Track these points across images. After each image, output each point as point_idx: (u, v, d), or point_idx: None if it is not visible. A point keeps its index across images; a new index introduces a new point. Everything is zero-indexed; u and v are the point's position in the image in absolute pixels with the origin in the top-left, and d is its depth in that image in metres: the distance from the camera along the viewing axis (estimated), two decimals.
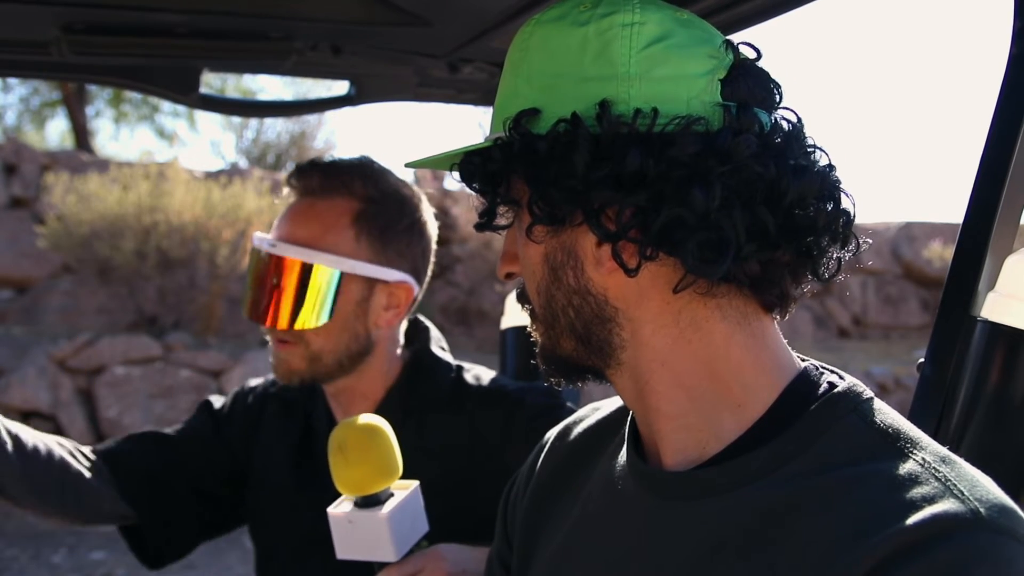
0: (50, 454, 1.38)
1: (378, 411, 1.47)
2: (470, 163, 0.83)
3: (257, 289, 1.45)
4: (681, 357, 0.80)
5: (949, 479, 0.69)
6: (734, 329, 0.79)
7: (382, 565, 1.17)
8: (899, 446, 0.73)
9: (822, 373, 0.82)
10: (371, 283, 1.47)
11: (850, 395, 0.78)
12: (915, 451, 0.72)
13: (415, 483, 1.20)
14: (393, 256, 1.48)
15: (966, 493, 0.68)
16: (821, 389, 0.80)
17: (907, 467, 0.71)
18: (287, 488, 1.54)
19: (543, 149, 0.76)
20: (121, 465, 1.50)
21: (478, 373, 1.57)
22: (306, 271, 1.41)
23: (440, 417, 1.50)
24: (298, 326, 1.43)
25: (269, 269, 1.43)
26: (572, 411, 1.22)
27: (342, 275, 1.43)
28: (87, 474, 1.44)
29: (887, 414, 0.77)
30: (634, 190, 0.74)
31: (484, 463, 1.44)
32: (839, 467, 0.73)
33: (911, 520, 0.66)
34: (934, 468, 0.70)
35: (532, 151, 0.77)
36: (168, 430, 1.61)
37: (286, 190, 1.53)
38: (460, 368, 1.58)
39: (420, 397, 1.51)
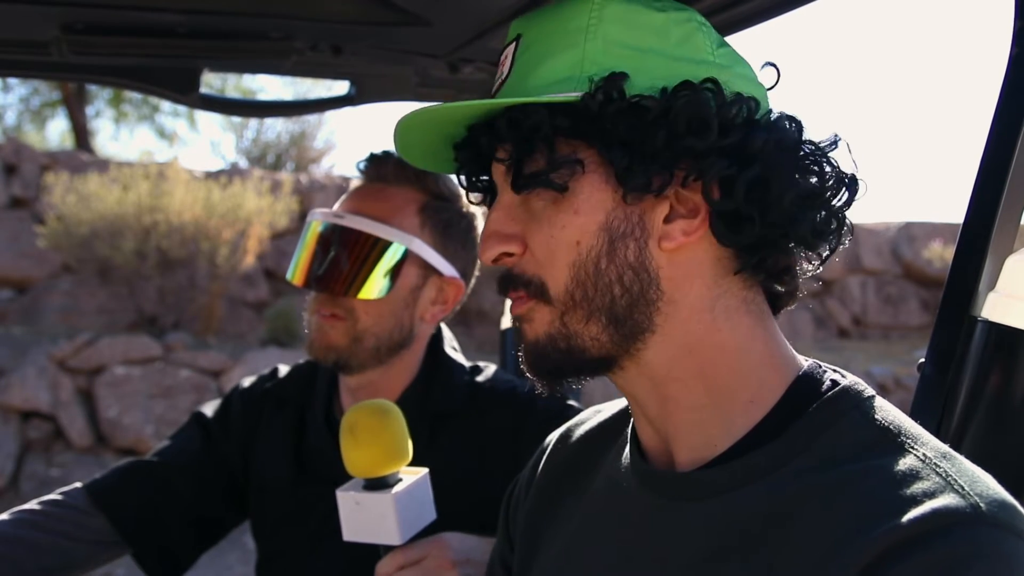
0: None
1: None
2: (522, 117, 0.78)
3: (315, 258, 1.47)
4: (708, 347, 0.80)
5: (950, 474, 0.69)
6: (756, 323, 0.81)
7: (387, 550, 1.17)
8: (900, 442, 0.74)
9: (825, 371, 0.83)
10: (427, 272, 1.50)
11: (852, 392, 0.79)
12: (916, 447, 0.73)
13: (424, 470, 1.21)
14: (450, 252, 1.52)
15: (966, 488, 0.68)
16: (824, 387, 0.80)
17: (908, 462, 0.71)
18: (287, 487, 1.54)
19: (655, 110, 0.75)
20: (112, 504, 1.49)
21: (491, 374, 1.58)
22: (373, 243, 1.44)
23: (453, 419, 1.50)
24: (356, 295, 1.44)
25: (333, 239, 1.45)
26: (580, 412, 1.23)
27: (406, 252, 1.46)
28: (64, 533, 1.43)
29: (888, 411, 0.78)
30: (748, 164, 0.76)
31: (494, 464, 1.45)
32: (841, 464, 0.73)
33: (911, 515, 0.66)
34: (935, 463, 0.71)
35: (639, 110, 0.76)
36: (159, 457, 1.57)
37: (354, 178, 1.56)
38: (474, 368, 1.59)
39: (436, 398, 1.52)
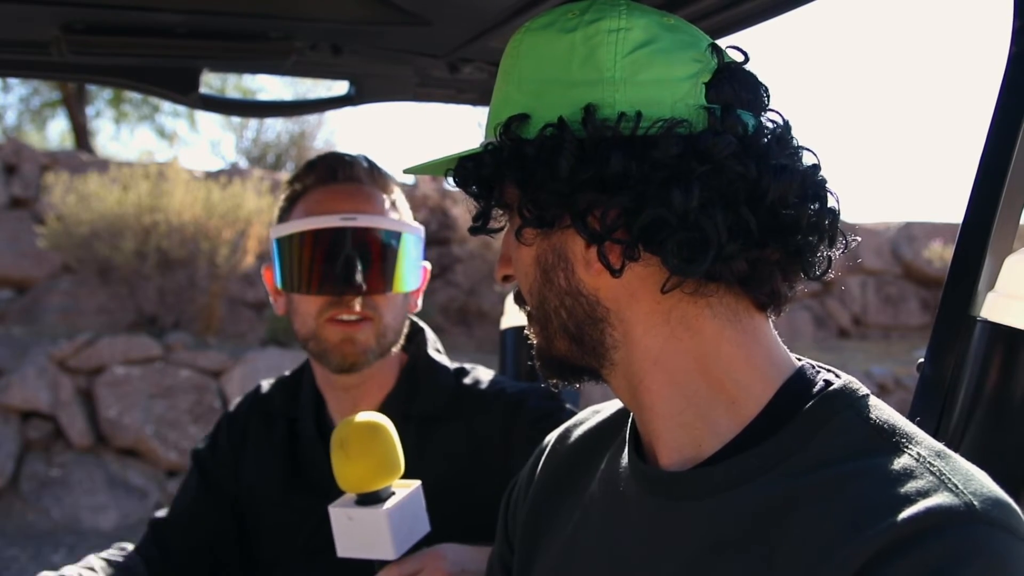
0: None
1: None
2: (464, 168, 0.84)
3: (342, 263, 1.42)
4: (673, 355, 0.81)
5: (944, 473, 0.70)
6: (724, 326, 0.80)
7: (382, 564, 1.17)
8: (895, 441, 0.74)
9: (818, 371, 0.83)
10: None
11: (846, 392, 0.79)
12: (911, 446, 0.73)
13: (417, 483, 1.20)
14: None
15: (960, 487, 0.68)
16: (817, 387, 0.80)
17: (902, 461, 0.71)
18: (280, 499, 1.53)
19: (531, 153, 0.78)
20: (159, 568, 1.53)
21: (478, 375, 1.56)
22: (395, 237, 1.47)
23: (440, 421, 1.49)
24: (395, 289, 1.46)
25: (355, 241, 1.43)
26: (573, 413, 1.22)
27: (418, 241, 1.51)
28: None
29: (883, 410, 0.78)
30: (617, 192, 0.75)
31: (485, 467, 1.44)
32: (835, 463, 0.73)
33: (905, 514, 0.67)
34: (929, 462, 0.71)
35: (521, 155, 0.79)
36: (176, 515, 1.61)
37: (301, 182, 1.52)
38: (460, 371, 1.57)
39: (419, 401, 1.51)
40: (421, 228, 1.52)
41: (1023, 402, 0.96)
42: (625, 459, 0.89)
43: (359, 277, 1.41)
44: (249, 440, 1.60)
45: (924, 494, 0.68)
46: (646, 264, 0.78)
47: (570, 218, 0.78)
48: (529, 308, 0.88)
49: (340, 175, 1.50)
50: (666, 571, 0.78)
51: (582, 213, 0.77)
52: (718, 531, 0.76)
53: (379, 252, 1.44)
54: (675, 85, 0.78)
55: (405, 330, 1.54)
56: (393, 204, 1.52)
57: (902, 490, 0.69)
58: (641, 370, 0.82)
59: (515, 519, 1.04)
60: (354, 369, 1.46)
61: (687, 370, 0.80)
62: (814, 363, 0.85)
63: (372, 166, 1.53)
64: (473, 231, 0.87)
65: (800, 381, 0.81)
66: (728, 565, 0.74)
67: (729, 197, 0.75)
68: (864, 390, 0.80)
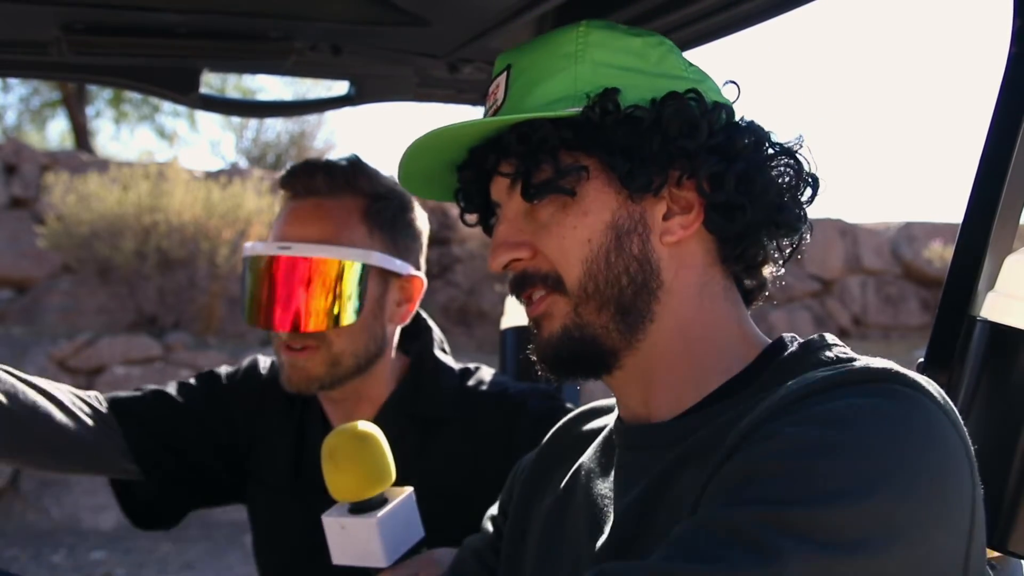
0: (42, 406, 1.33)
1: (379, 417, 1.45)
2: (530, 132, 0.86)
3: (271, 295, 1.39)
4: (696, 326, 0.88)
5: (854, 359, 0.78)
6: (733, 308, 0.91)
7: (377, 571, 1.17)
8: (832, 359, 0.81)
9: (794, 339, 0.90)
10: (386, 278, 1.45)
11: (814, 343, 0.86)
12: (845, 363, 0.79)
13: (409, 489, 1.20)
14: (403, 249, 1.48)
15: (863, 363, 0.76)
16: (791, 349, 0.88)
17: (828, 367, 0.78)
18: (284, 494, 1.53)
19: (648, 118, 0.84)
20: (132, 420, 1.46)
21: (481, 376, 1.55)
22: (331, 268, 1.38)
23: (443, 423, 1.48)
24: (329, 326, 1.39)
25: (285, 272, 1.38)
26: None
27: (365, 268, 1.41)
28: (86, 424, 1.39)
29: (843, 349, 0.84)
30: (735, 160, 0.85)
31: (487, 469, 1.42)
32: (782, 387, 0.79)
33: (801, 382, 0.74)
34: (843, 361, 0.79)
35: (634, 120, 0.84)
36: (174, 392, 1.54)
37: (282, 193, 1.49)
38: (464, 371, 1.56)
39: (423, 403, 1.50)
40: (375, 253, 1.43)
41: (1023, 402, 0.96)
42: (610, 429, 0.97)
43: (277, 315, 1.38)
44: (265, 414, 1.57)
45: (824, 373, 0.75)
46: (702, 237, 0.88)
47: (676, 179, 0.86)
48: (563, 283, 0.87)
49: (301, 187, 1.45)
50: (631, 496, 0.85)
51: (693, 176, 0.85)
52: (681, 453, 0.83)
53: (308, 286, 1.38)
54: (724, 98, 0.91)
55: (376, 348, 1.47)
56: (366, 213, 1.44)
57: (811, 376, 0.75)
58: (666, 340, 0.88)
59: (515, 491, 1.09)
60: (305, 392, 1.44)
61: (702, 339, 0.88)
62: (795, 335, 0.91)
63: (337, 175, 1.45)
64: (530, 196, 0.87)
65: (777, 346, 0.89)
66: (682, 474, 0.81)
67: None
68: (833, 339, 0.86)
